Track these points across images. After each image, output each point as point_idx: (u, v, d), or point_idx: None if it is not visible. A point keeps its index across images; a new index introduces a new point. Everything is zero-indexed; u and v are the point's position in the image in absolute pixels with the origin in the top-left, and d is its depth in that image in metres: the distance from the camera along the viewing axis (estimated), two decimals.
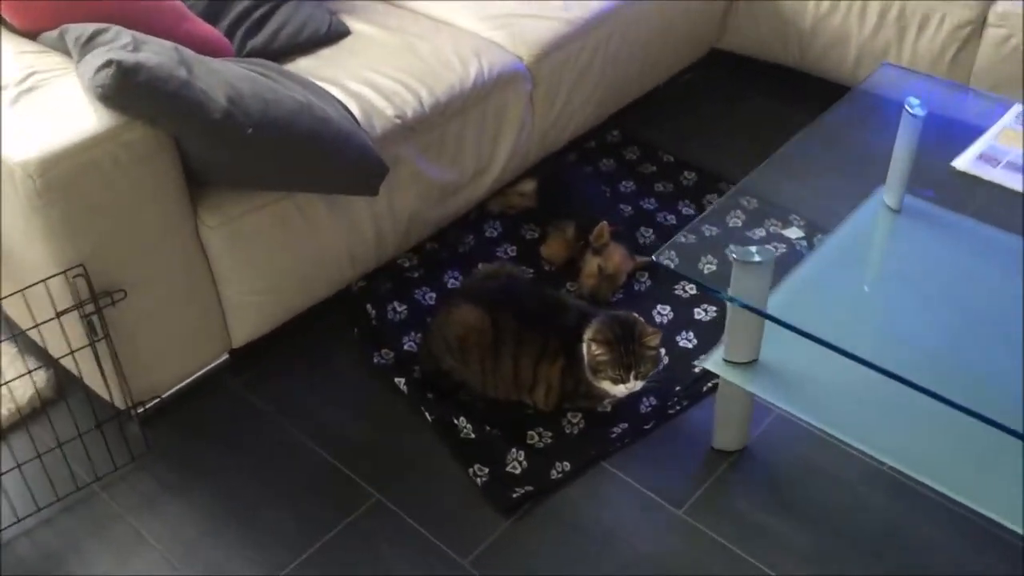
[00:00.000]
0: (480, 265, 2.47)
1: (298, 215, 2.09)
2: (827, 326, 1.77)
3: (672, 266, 1.93)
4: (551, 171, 2.67)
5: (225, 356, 2.23)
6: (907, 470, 1.80)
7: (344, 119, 2.03)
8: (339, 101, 2.11)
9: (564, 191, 2.60)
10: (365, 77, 2.27)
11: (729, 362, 1.91)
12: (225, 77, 1.87)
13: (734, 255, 1.76)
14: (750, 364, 1.90)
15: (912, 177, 2.08)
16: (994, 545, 1.85)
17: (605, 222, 2.40)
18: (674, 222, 2.61)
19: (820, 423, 1.86)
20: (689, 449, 2.07)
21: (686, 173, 2.78)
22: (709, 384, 2.18)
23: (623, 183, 2.76)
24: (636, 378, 2.00)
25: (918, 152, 2.06)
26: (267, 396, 2.21)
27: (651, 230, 2.59)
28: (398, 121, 2.21)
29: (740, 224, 2.59)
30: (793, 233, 2.56)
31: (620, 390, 2.02)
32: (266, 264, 2.09)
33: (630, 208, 2.66)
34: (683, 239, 1.99)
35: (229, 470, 2.05)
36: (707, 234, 2.55)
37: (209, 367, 2.21)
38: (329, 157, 1.97)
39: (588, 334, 2.03)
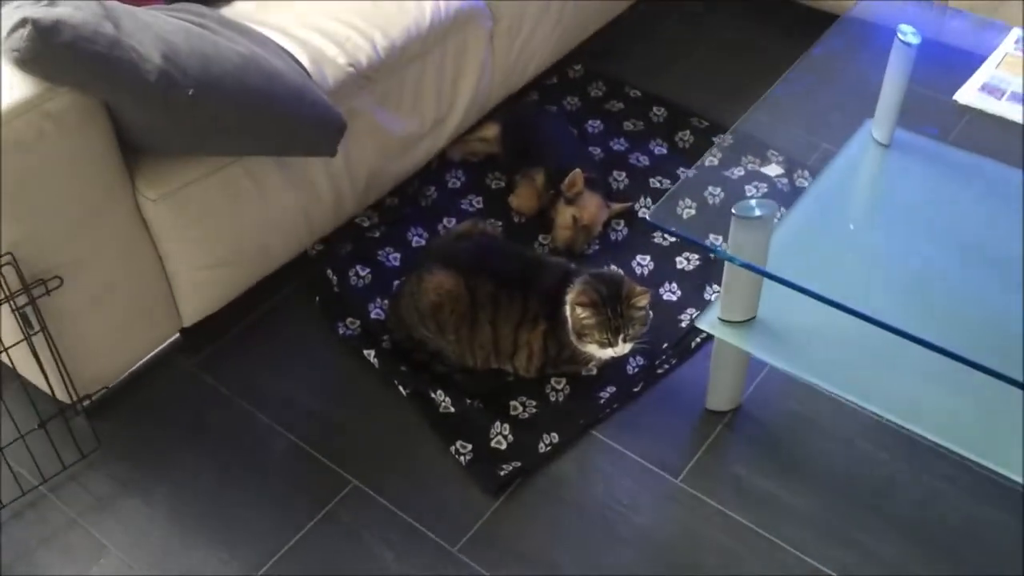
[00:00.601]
0: (444, 221, 2.31)
1: (248, 180, 1.90)
2: (830, 281, 1.66)
3: (673, 230, 1.79)
4: (514, 114, 2.50)
5: (176, 336, 2.06)
6: (908, 424, 1.71)
7: (294, 72, 1.83)
8: (286, 51, 1.91)
9: (530, 135, 2.43)
10: (311, 22, 2.05)
11: (725, 321, 1.79)
12: (158, 31, 1.66)
13: (733, 210, 1.63)
14: (747, 322, 1.79)
15: (910, 111, 1.95)
16: (995, 494, 1.79)
17: (578, 170, 2.24)
18: (647, 163, 2.47)
19: (822, 382, 1.76)
20: (682, 412, 1.96)
21: (655, 109, 2.62)
22: (698, 339, 2.07)
23: (590, 122, 2.59)
24: (624, 341, 1.88)
25: (913, 84, 1.94)
26: (225, 377, 2.04)
27: (623, 173, 2.44)
28: (352, 70, 2.01)
29: (716, 163, 2.47)
30: (772, 170, 2.44)
31: (607, 354, 1.90)
32: (215, 236, 1.90)
33: (600, 151, 2.50)
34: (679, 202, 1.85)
35: (190, 462, 1.89)
36: (682, 176, 2.43)
37: (159, 349, 2.04)
38: (281, 116, 1.78)
39: (571, 296, 1.90)
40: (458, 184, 2.42)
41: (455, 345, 1.98)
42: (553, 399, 1.97)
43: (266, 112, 1.75)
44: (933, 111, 1.99)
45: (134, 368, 2.00)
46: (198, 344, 2.08)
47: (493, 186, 2.43)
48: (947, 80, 1.95)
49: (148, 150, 1.76)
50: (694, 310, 2.11)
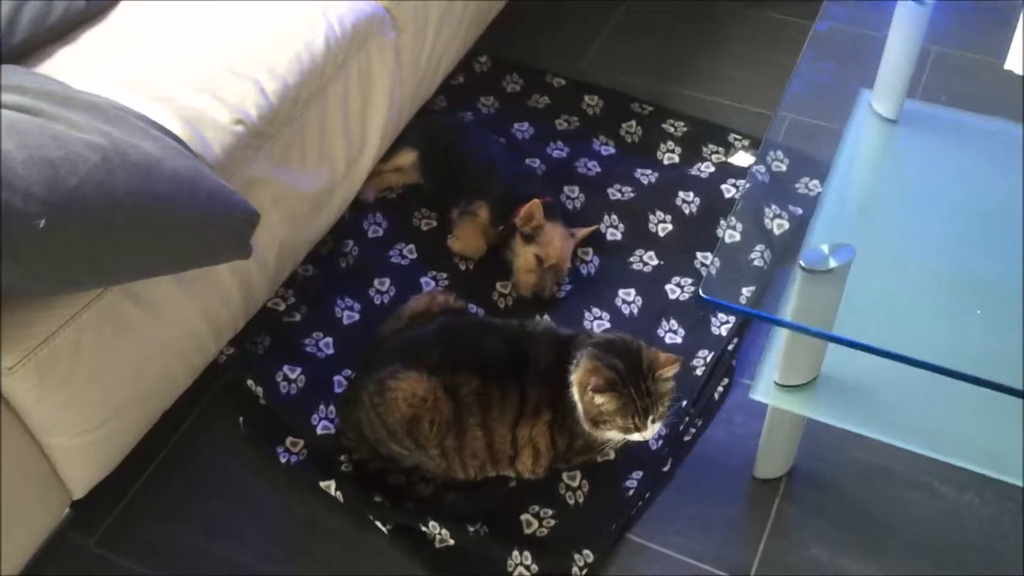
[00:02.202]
0: (376, 284, 1.85)
1: (132, 306, 1.40)
2: (904, 331, 1.34)
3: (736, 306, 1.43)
4: (429, 133, 2.04)
5: (66, 511, 1.55)
6: (989, 471, 1.42)
7: (175, 153, 1.33)
8: (152, 123, 1.39)
9: (455, 157, 1.99)
10: (170, 71, 1.54)
11: (782, 385, 1.44)
12: None
13: (801, 262, 1.25)
14: (809, 384, 1.44)
15: (938, 79, 1.63)
16: None
17: (536, 200, 1.82)
18: (598, 169, 2.06)
19: (901, 441, 1.43)
20: (726, 488, 1.61)
21: (587, 98, 2.21)
22: (719, 389, 1.72)
23: (516, 127, 2.17)
24: (653, 422, 1.50)
25: (936, 49, 1.61)
26: (141, 551, 1.56)
27: (575, 188, 2.03)
28: (240, 128, 1.52)
29: (676, 160, 2.10)
30: (742, 159, 2.10)
31: (635, 439, 1.53)
32: (97, 387, 1.39)
33: (539, 162, 2.08)
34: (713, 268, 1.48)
35: None
36: (644, 182, 2.05)
37: (47, 535, 1.53)
38: (171, 223, 1.28)
39: (578, 376, 1.50)
40: (380, 231, 1.96)
41: (439, 459, 1.56)
42: (572, 502, 1.58)
43: (151, 222, 1.25)
44: (974, 80, 1.68)
45: (20, 570, 1.49)
46: (96, 515, 1.58)
47: (423, 227, 1.98)
48: (963, 43, 1.64)
49: None
50: (706, 351, 1.75)
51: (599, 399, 1.47)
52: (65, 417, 1.37)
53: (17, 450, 1.35)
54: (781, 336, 1.41)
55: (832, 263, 1.25)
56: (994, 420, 1.41)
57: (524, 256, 1.83)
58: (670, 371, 1.49)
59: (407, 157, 2.01)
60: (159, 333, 1.47)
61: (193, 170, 1.33)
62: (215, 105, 1.52)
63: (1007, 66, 1.56)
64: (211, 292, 1.56)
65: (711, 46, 2.35)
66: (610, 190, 2.02)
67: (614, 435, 1.53)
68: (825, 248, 1.26)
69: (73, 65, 1.55)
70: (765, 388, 1.44)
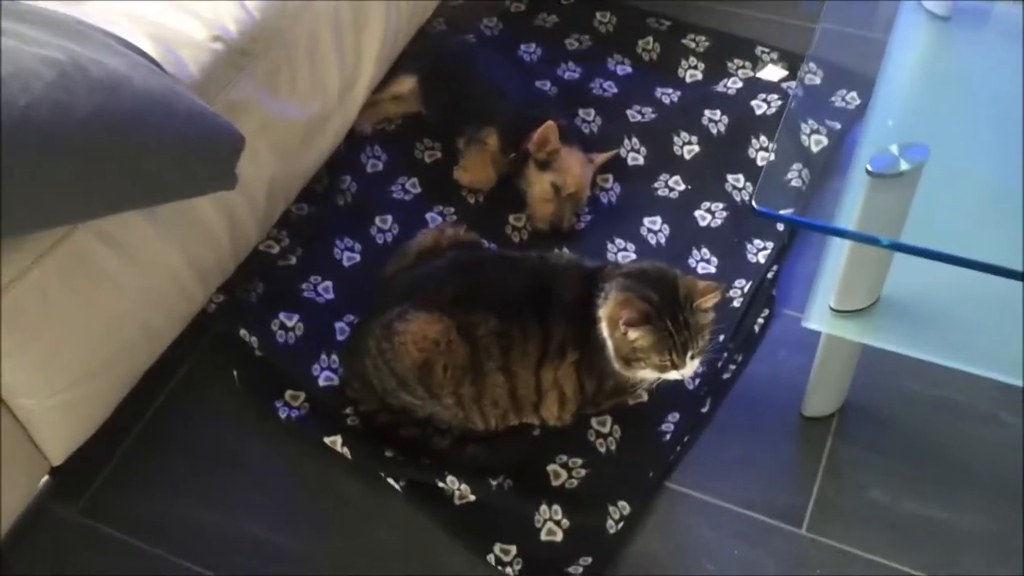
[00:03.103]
0: (378, 222, 1.69)
1: (103, 248, 1.24)
2: (969, 236, 1.18)
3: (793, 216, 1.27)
4: (429, 57, 1.87)
5: (45, 479, 1.41)
6: None
7: (146, 71, 1.16)
8: (117, 39, 1.22)
9: (459, 82, 1.82)
10: None
11: (841, 311, 1.28)
12: None
13: (869, 167, 1.09)
14: (869, 308, 1.29)
15: None
16: None
17: (551, 121, 1.66)
18: (615, 90, 1.89)
19: (969, 366, 1.29)
20: (772, 429, 1.47)
21: (599, 15, 2.03)
22: (760, 320, 1.57)
23: (523, 48, 1.99)
24: (692, 358, 1.35)
25: None
26: (128, 520, 1.42)
27: (591, 110, 1.86)
28: (219, 46, 1.35)
29: (700, 77, 1.93)
30: (772, 73, 1.93)
31: (671, 377, 1.38)
32: (68, 342, 1.24)
33: (549, 84, 1.91)
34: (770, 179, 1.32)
35: None
36: (666, 101, 1.88)
37: (26, 504, 1.39)
38: (142, 149, 1.11)
39: (608, 310, 1.34)
40: (380, 166, 1.79)
41: (455, 409, 1.41)
42: (603, 450, 1.43)
43: (119, 147, 1.08)
44: None
45: (4, 535, 1.35)
46: (78, 482, 1.44)
47: (427, 159, 1.82)
48: None
49: None
50: (743, 281, 1.60)
51: (633, 334, 1.32)
52: (35, 376, 1.22)
53: None
54: (837, 257, 1.25)
55: (904, 165, 1.09)
56: None
57: (539, 184, 1.67)
58: (710, 300, 1.34)
59: (406, 84, 1.83)
60: (137, 279, 1.31)
61: (167, 88, 1.16)
62: (190, 21, 1.35)
63: None
64: (194, 233, 1.40)
65: None
66: (629, 112, 1.85)
67: (648, 374, 1.38)
68: (895, 149, 1.10)
69: None
70: (820, 315, 1.29)
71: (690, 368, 1.36)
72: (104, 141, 1.07)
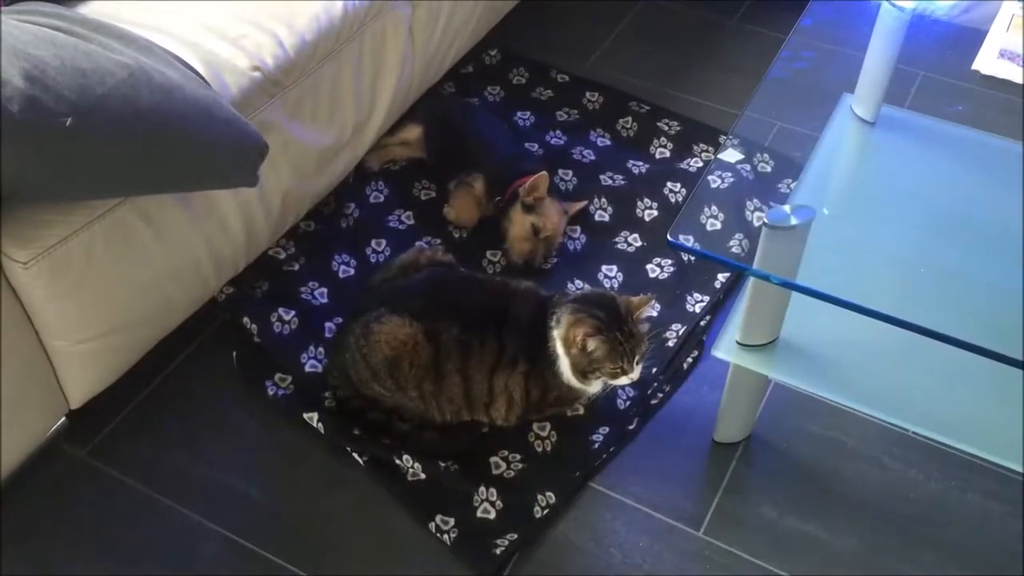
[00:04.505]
0: (373, 244, 1.95)
1: (142, 224, 1.50)
2: (857, 288, 1.43)
3: (696, 248, 1.53)
4: (436, 111, 2.16)
5: (62, 420, 1.65)
6: (947, 439, 1.51)
7: (195, 83, 1.45)
8: (177, 58, 1.51)
9: (458, 134, 2.10)
10: (196, 19, 1.66)
11: (744, 344, 1.53)
12: (13, 43, 1.25)
13: (766, 220, 1.36)
14: (769, 345, 1.54)
15: (918, 84, 1.74)
16: None
17: (544, 172, 1.93)
18: (592, 158, 2.18)
19: (856, 403, 1.54)
20: (686, 448, 1.70)
21: (588, 95, 2.33)
22: (688, 360, 1.81)
23: (519, 114, 2.28)
24: (637, 363, 1.59)
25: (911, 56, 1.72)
26: (130, 466, 1.64)
27: (569, 171, 2.14)
28: (257, 75, 1.63)
29: (668, 155, 2.21)
30: (731, 156, 2.20)
31: (622, 383, 1.61)
32: (104, 297, 1.50)
33: (537, 146, 2.20)
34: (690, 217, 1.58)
35: None
36: (635, 171, 2.16)
37: (41, 440, 1.62)
38: (187, 142, 1.39)
39: (564, 330, 1.58)
40: (381, 198, 2.07)
41: (417, 401, 1.65)
42: (540, 449, 1.67)
43: (169, 138, 1.36)
44: (946, 83, 1.78)
45: (12, 471, 1.58)
46: (91, 427, 1.68)
47: (423, 197, 2.09)
48: (944, 50, 1.75)
49: (13, 200, 1.34)
50: (679, 326, 1.85)
51: (592, 344, 1.55)
52: (70, 321, 1.47)
53: (22, 348, 1.45)
54: (744, 300, 1.51)
55: (794, 220, 1.36)
56: (945, 388, 1.51)
57: (522, 224, 1.93)
58: (645, 310, 1.59)
59: (413, 132, 2.12)
60: (165, 256, 1.57)
61: (211, 99, 1.45)
62: (236, 52, 1.63)
63: (974, 66, 1.66)
64: (217, 226, 1.66)
65: (710, 55, 2.47)
66: (602, 176, 2.12)
67: (597, 386, 1.62)
68: (788, 208, 1.37)
69: (104, 11, 1.66)
70: (728, 347, 1.53)
71: (636, 372, 1.59)
72: (157, 132, 1.34)
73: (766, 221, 1.36)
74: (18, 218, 1.36)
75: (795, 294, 1.46)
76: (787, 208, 1.36)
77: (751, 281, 1.45)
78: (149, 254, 1.54)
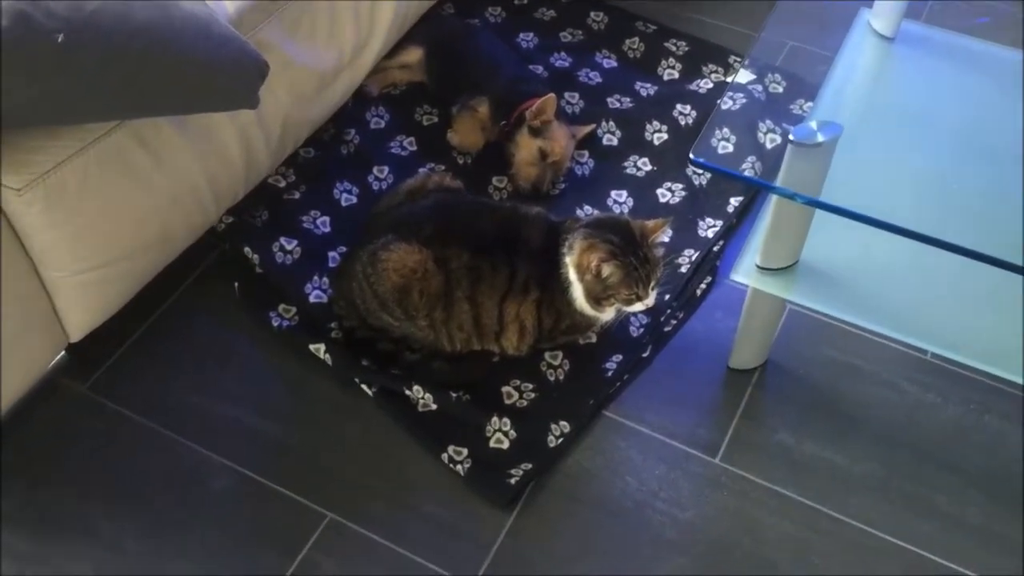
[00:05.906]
0: (375, 171, 1.89)
1: (139, 149, 1.44)
2: (881, 205, 1.39)
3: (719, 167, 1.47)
4: (437, 33, 2.08)
5: (62, 355, 1.60)
6: (967, 360, 1.49)
7: (190, 1, 1.37)
8: None
9: (461, 57, 2.03)
10: None
11: (765, 269, 1.49)
12: None
13: (791, 137, 1.31)
14: (790, 268, 1.50)
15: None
16: None
17: (552, 95, 1.86)
18: (599, 80, 2.11)
19: (875, 324, 1.50)
20: (702, 375, 1.67)
21: (593, 15, 2.25)
22: (702, 286, 1.77)
23: (522, 36, 2.20)
24: (653, 289, 1.55)
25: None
26: (132, 400, 1.61)
27: (575, 94, 2.07)
28: None
29: (676, 76, 2.14)
30: (742, 77, 2.13)
31: (636, 309, 1.57)
32: (100, 226, 1.44)
33: (542, 69, 2.12)
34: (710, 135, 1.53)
35: (107, 529, 1.46)
36: (643, 94, 2.10)
37: (42, 374, 1.58)
38: (185, 61, 1.32)
39: (577, 256, 1.54)
40: (382, 124, 2.00)
41: (427, 331, 1.61)
42: (552, 378, 1.64)
43: (165, 56, 1.29)
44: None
45: (13, 405, 1.54)
46: (92, 361, 1.63)
47: (424, 122, 2.02)
48: None
49: (4, 124, 1.28)
50: (692, 251, 1.80)
51: (606, 270, 1.51)
52: (67, 250, 1.41)
53: (18, 281, 1.40)
54: (765, 222, 1.46)
55: (820, 137, 1.30)
56: (966, 309, 1.48)
57: (528, 148, 1.87)
58: (660, 234, 1.55)
59: (413, 54, 2.05)
60: (162, 183, 1.51)
61: (207, 15, 1.37)
62: None
63: None
64: (215, 154, 1.60)
65: None
66: (609, 99, 2.06)
67: (611, 313, 1.58)
68: (814, 124, 1.31)
69: None
70: (746, 270, 1.49)
71: (651, 298, 1.56)
72: (152, 49, 1.28)
73: (792, 138, 1.31)
74: (11, 143, 1.30)
75: (816, 214, 1.42)
76: (813, 124, 1.31)
77: (774, 201, 1.40)
78: (146, 180, 1.48)
